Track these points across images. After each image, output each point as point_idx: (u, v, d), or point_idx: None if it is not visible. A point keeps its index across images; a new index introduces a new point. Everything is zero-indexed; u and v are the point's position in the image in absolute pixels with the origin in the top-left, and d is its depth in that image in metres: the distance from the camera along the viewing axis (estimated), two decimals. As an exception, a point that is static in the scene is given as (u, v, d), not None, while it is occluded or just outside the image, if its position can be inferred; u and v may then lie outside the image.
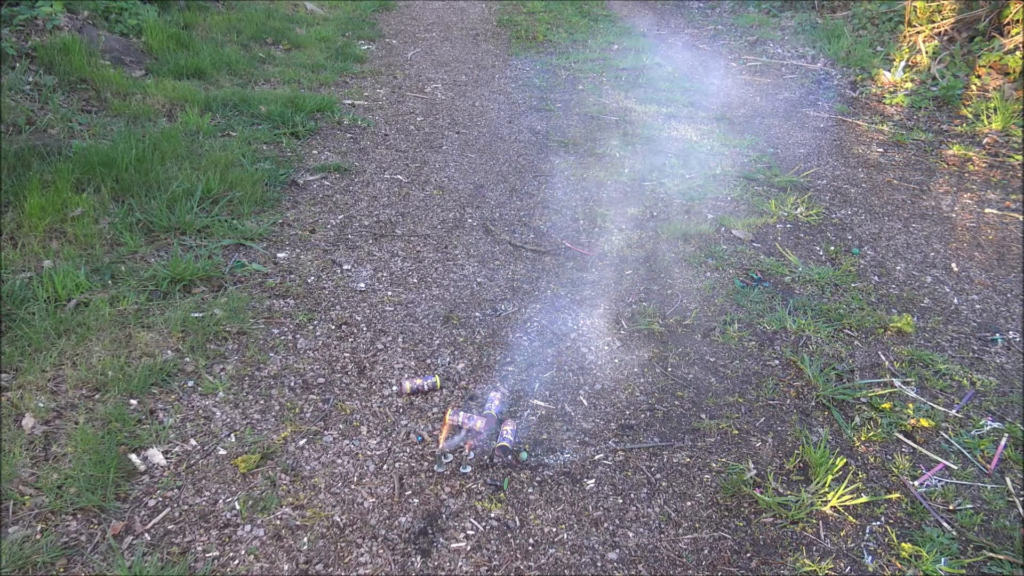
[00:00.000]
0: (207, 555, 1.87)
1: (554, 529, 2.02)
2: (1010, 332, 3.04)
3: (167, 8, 6.07)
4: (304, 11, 7.64)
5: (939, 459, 2.36)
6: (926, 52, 6.15)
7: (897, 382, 2.69)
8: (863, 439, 2.42)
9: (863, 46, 6.71)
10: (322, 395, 2.45)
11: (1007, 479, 2.29)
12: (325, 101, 4.93)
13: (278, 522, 1.98)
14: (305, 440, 2.26)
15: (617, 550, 1.97)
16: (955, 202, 4.24)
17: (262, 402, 2.39)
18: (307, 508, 2.02)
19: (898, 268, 3.49)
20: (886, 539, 2.06)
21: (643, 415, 2.47)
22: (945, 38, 6.18)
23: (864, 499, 2.18)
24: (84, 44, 4.65)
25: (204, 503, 2.01)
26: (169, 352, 2.54)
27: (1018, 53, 5.55)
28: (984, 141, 5.08)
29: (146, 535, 1.91)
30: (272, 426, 2.30)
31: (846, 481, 2.23)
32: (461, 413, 2.33)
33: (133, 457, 2.13)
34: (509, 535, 1.99)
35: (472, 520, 2.03)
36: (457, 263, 3.29)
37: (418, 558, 1.91)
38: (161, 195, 3.38)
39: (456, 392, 2.49)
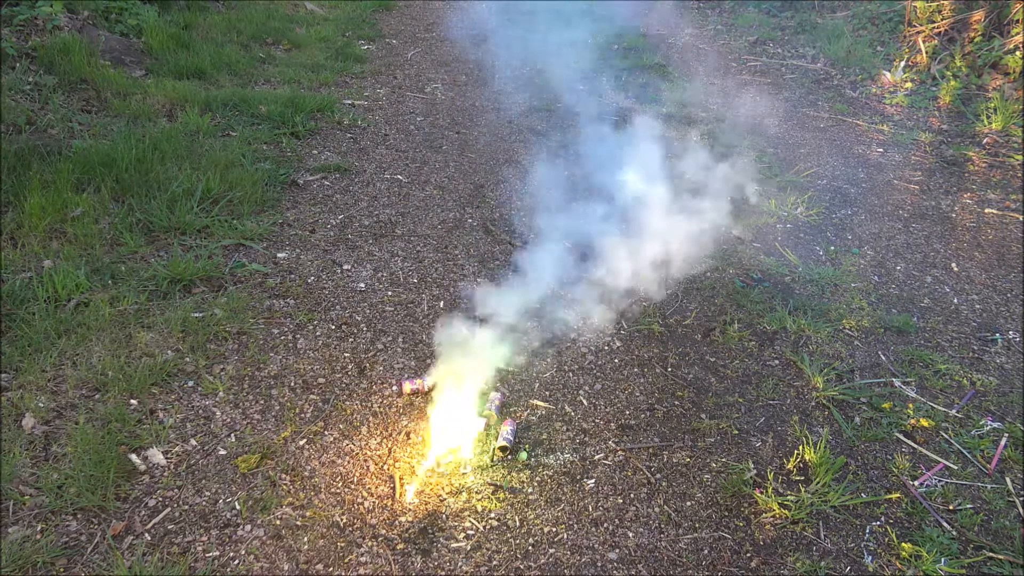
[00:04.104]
0: (207, 555, 1.87)
1: (554, 529, 2.02)
2: (1010, 332, 3.04)
3: (167, 8, 6.07)
4: (304, 11, 7.64)
5: (939, 459, 2.36)
6: (926, 52, 6.15)
7: (897, 382, 2.69)
8: (863, 439, 2.42)
9: (863, 46, 6.71)
10: (322, 395, 2.45)
11: (1007, 479, 2.29)
12: (325, 101, 4.93)
13: (278, 522, 1.98)
14: (305, 440, 2.26)
15: (617, 550, 1.97)
16: (955, 202, 4.24)
17: (262, 402, 2.39)
18: (307, 508, 2.02)
19: (898, 268, 3.49)
20: (886, 539, 2.06)
21: (643, 415, 2.47)
22: (945, 38, 6.18)
23: (864, 499, 2.18)
24: (84, 44, 4.64)
25: (204, 503, 2.01)
26: (169, 352, 2.54)
27: (1018, 53, 5.55)
28: (984, 141, 5.08)
29: (146, 535, 1.91)
30: (272, 426, 2.30)
31: (846, 481, 2.23)
32: (462, 412, 2.33)
33: (133, 457, 2.13)
34: (509, 535, 1.99)
35: (472, 520, 2.03)
36: (457, 263, 3.29)
37: (418, 558, 1.91)
38: (161, 195, 3.38)
39: (457, 392, 2.49)
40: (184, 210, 3.31)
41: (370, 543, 1.94)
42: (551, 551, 1.96)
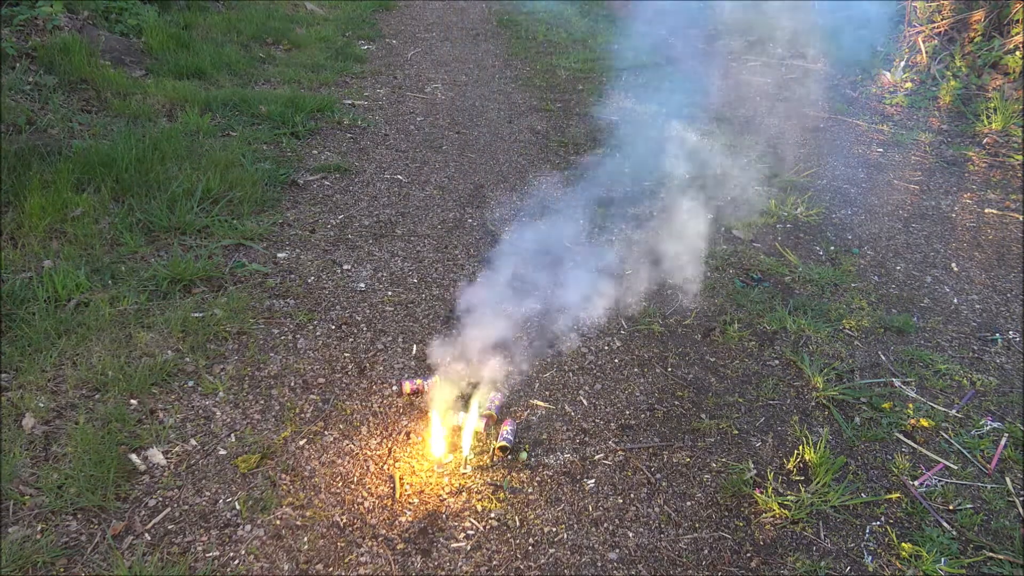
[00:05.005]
0: (207, 555, 1.87)
1: (554, 529, 2.02)
2: (1010, 332, 3.04)
3: (167, 8, 6.07)
4: (304, 11, 7.64)
5: (939, 459, 2.36)
6: (926, 52, 6.15)
7: (897, 382, 2.69)
8: (863, 439, 2.42)
9: (863, 46, 6.70)
10: (322, 395, 2.45)
11: (1007, 479, 2.29)
12: (325, 101, 4.93)
13: (278, 522, 1.98)
14: (305, 440, 2.26)
15: (617, 550, 1.97)
16: (955, 202, 4.24)
17: (262, 402, 2.39)
18: (307, 508, 2.02)
19: (898, 268, 3.49)
20: (886, 539, 2.06)
21: (643, 415, 2.47)
22: (945, 38, 6.18)
23: (864, 499, 2.18)
24: (84, 44, 4.65)
25: (204, 503, 2.01)
26: (169, 352, 2.54)
27: (1018, 53, 5.55)
28: (984, 141, 5.08)
29: (146, 535, 1.91)
30: (272, 426, 2.30)
31: (846, 481, 2.23)
32: (462, 413, 2.34)
33: (133, 457, 2.13)
34: (509, 535, 1.99)
35: (472, 520, 2.03)
36: (457, 263, 3.29)
37: (418, 558, 1.91)
38: (161, 195, 3.38)
39: (457, 392, 2.49)
40: (184, 210, 3.31)
41: (370, 543, 1.94)
42: (551, 551, 1.96)
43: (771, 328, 2.95)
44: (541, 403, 2.49)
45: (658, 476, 2.23)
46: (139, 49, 5.22)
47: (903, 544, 2.03)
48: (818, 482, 2.20)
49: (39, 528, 1.89)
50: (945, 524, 2.12)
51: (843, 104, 5.81)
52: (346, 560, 1.89)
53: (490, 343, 2.73)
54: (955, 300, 3.26)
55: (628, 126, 5.09)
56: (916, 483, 2.25)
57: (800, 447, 2.34)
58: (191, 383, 2.43)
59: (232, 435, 2.25)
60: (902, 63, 6.19)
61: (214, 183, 3.52)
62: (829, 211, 4.02)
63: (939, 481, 2.27)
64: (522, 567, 1.90)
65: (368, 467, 2.18)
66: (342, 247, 3.34)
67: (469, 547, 1.95)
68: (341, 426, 2.32)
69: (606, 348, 2.79)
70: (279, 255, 3.22)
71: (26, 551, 1.80)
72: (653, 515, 2.09)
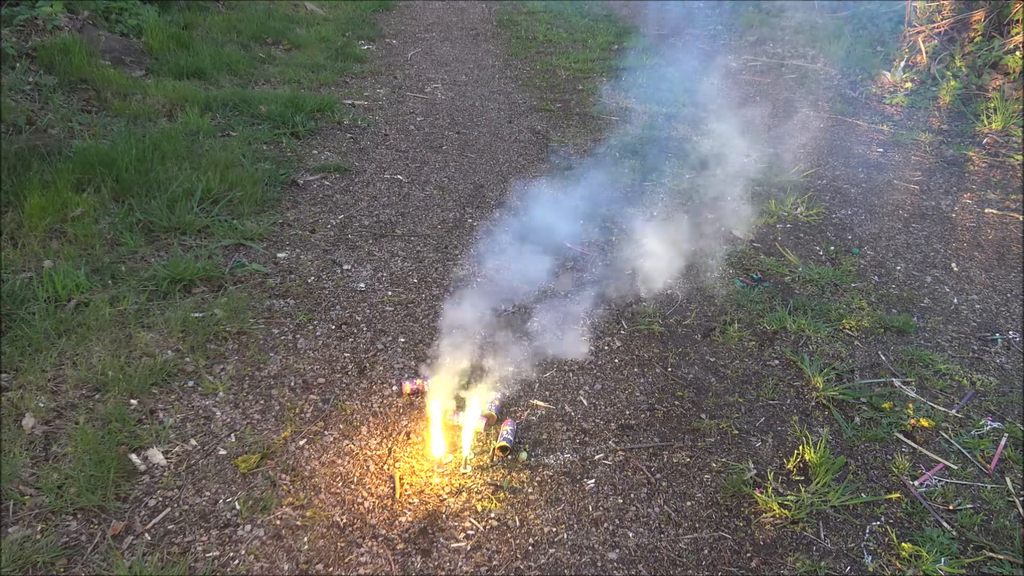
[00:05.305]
0: (207, 555, 1.87)
1: (554, 529, 2.02)
2: (1010, 332, 3.04)
3: (167, 8, 6.07)
4: (304, 11, 7.64)
5: (939, 459, 2.36)
6: (926, 52, 6.15)
7: (897, 382, 2.69)
8: (863, 439, 2.42)
9: (863, 46, 6.71)
10: (322, 395, 2.45)
11: (1007, 479, 2.29)
12: (325, 101, 4.93)
13: (278, 522, 1.98)
14: (305, 440, 2.26)
15: (617, 550, 1.97)
16: (955, 202, 4.24)
17: (262, 402, 2.39)
18: (307, 508, 2.02)
19: (898, 268, 3.49)
20: (886, 539, 2.06)
21: (643, 415, 2.47)
22: (945, 38, 6.18)
23: (864, 499, 2.18)
24: (84, 44, 4.65)
25: (204, 503, 2.01)
26: (169, 352, 2.54)
27: (1018, 53, 5.55)
28: (984, 141, 5.08)
29: (146, 535, 1.91)
30: (272, 426, 2.30)
31: (846, 481, 2.23)
32: (462, 412, 2.34)
33: (133, 457, 2.13)
34: (509, 535, 1.99)
35: (472, 520, 2.03)
36: (457, 263, 3.29)
37: (418, 558, 1.91)
38: (161, 195, 3.38)
39: (457, 392, 2.49)
40: (184, 210, 3.31)
41: (370, 543, 1.94)
42: (551, 551, 1.96)
43: (771, 328, 2.95)
44: (541, 403, 2.49)
45: (658, 476, 2.23)
46: (139, 49, 5.22)
47: (903, 544, 2.03)
48: (818, 482, 2.20)
49: (39, 528, 1.89)
50: (945, 524, 2.12)
51: (843, 104, 5.81)
52: (346, 560, 1.89)
53: (490, 343, 2.73)
54: (955, 300, 3.26)
55: (628, 126, 5.09)
56: (916, 483, 2.25)
57: (800, 447, 2.34)
58: (191, 383, 2.44)
59: (232, 435, 2.25)
60: (902, 63, 6.19)
61: (214, 183, 3.52)
62: (829, 211, 4.02)
63: (939, 481, 2.27)
64: (522, 567, 1.90)
65: (368, 467, 2.18)
66: (342, 247, 3.34)
67: (469, 547, 1.95)
68: (341, 426, 2.32)
69: (606, 348, 2.79)
70: (279, 255, 3.22)
71: (26, 551, 1.80)
72: (653, 515, 2.09)
